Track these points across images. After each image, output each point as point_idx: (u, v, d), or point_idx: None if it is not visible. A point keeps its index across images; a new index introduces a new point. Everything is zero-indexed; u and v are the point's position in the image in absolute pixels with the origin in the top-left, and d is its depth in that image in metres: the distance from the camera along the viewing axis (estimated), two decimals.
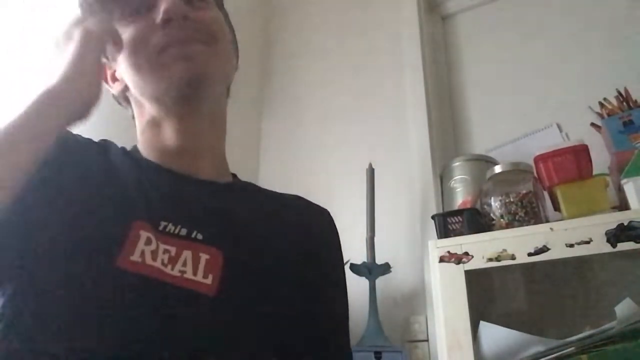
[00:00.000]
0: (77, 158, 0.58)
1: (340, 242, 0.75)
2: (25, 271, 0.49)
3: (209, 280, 0.54)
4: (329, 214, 0.77)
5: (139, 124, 0.67)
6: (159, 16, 0.59)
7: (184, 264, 0.53)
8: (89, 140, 0.64)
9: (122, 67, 0.63)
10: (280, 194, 0.76)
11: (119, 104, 0.70)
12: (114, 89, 0.67)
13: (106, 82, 0.66)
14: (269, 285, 0.58)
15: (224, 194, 0.65)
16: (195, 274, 0.53)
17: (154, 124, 0.64)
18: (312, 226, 0.72)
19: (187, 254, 0.54)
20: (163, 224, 0.56)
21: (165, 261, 0.53)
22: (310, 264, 0.65)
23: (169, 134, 0.63)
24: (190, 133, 0.63)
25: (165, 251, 0.53)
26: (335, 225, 0.77)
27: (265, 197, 0.72)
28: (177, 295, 0.51)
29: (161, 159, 0.64)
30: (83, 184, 0.56)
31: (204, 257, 0.55)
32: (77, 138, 0.62)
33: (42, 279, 0.48)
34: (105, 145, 0.65)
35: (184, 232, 0.56)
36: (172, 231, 0.56)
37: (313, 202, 0.77)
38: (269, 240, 0.62)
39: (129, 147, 0.67)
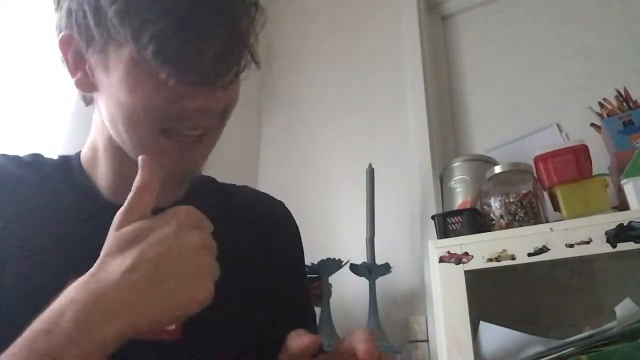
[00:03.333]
0: (13, 202, 0.53)
1: (299, 234, 0.72)
2: None
3: (172, 326, 0.52)
4: (283, 206, 0.74)
5: (98, 139, 0.60)
6: (202, 116, 0.52)
7: None
8: (16, 169, 0.57)
9: (114, 102, 0.52)
10: (230, 192, 0.71)
11: (83, 97, 0.60)
12: (76, 77, 0.56)
13: (64, 55, 0.56)
14: (233, 309, 0.56)
15: None
16: None
17: (117, 153, 0.57)
18: (268, 225, 0.69)
19: None
20: None
21: None
22: (270, 270, 0.63)
23: (127, 170, 0.56)
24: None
25: None
26: (292, 217, 0.73)
27: (215, 206, 0.62)
28: (140, 347, 0.43)
29: (111, 188, 0.59)
30: (24, 234, 0.51)
31: None
32: (8, 170, 0.56)
33: None
34: (39, 168, 0.59)
35: None
36: None
37: (268, 195, 0.74)
38: (223, 260, 0.49)
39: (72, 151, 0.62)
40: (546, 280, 1.25)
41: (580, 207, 1.06)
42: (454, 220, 1.19)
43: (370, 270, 1.36)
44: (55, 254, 0.52)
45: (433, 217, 1.25)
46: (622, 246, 0.94)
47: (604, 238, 0.96)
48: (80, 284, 0.40)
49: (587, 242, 0.97)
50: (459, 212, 1.22)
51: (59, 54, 0.56)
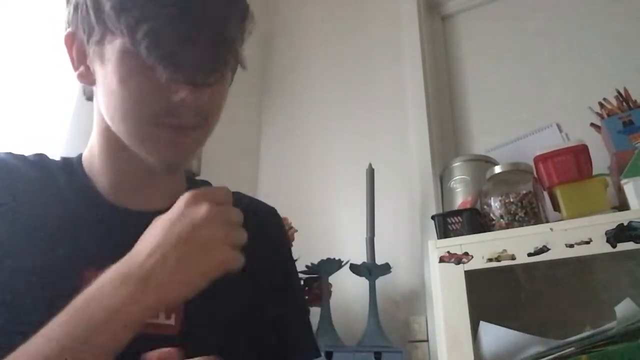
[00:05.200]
0: (20, 199, 0.55)
1: (289, 243, 0.74)
2: None
3: (171, 321, 0.53)
4: (275, 213, 0.75)
5: (96, 134, 0.61)
6: (186, 111, 0.54)
7: None
8: (25, 168, 0.59)
9: (107, 90, 0.55)
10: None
11: (84, 92, 0.63)
12: (78, 71, 0.59)
13: (68, 50, 0.59)
14: (232, 309, 0.58)
15: None
16: (157, 316, 0.52)
17: (112, 147, 0.60)
18: (260, 232, 0.68)
19: None
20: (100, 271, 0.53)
21: None
22: (264, 276, 0.64)
23: (124, 160, 0.59)
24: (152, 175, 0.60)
25: None
26: (283, 224, 0.75)
27: None
28: (141, 342, 0.46)
29: (110, 188, 0.60)
30: (28, 233, 0.53)
31: None
32: (12, 168, 0.58)
33: None
34: (44, 167, 0.60)
35: None
36: None
37: (260, 202, 0.74)
38: None
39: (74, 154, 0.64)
40: (546, 280, 1.25)
41: (580, 207, 1.06)
42: (454, 220, 1.19)
43: (370, 270, 1.36)
44: (55, 250, 0.53)
45: (433, 217, 1.25)
46: (622, 246, 0.94)
47: (604, 238, 0.96)
48: (118, 264, 0.45)
49: (587, 242, 0.97)
50: (459, 212, 1.22)
51: (64, 50, 0.59)
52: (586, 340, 0.89)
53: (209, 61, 0.53)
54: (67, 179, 0.60)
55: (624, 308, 0.87)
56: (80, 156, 0.64)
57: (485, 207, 1.19)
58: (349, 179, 1.62)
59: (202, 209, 0.46)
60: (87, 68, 0.58)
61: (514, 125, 1.52)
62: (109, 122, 0.57)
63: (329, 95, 1.82)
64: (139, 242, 0.47)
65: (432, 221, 1.25)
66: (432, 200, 1.45)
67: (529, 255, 1.01)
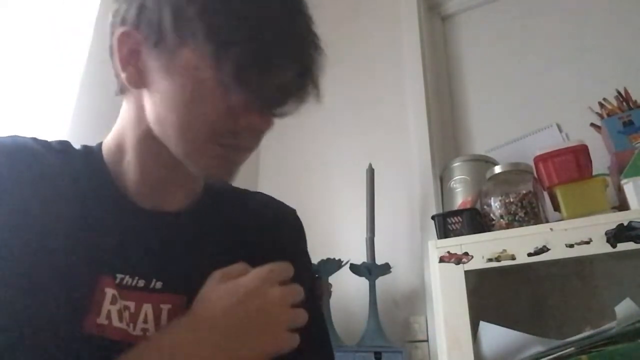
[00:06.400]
0: (42, 193, 0.52)
1: (306, 246, 0.72)
2: None
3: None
4: (294, 213, 0.73)
5: (129, 134, 0.59)
6: (251, 134, 0.55)
7: (145, 321, 0.51)
8: (49, 156, 0.56)
9: (168, 102, 0.53)
10: (244, 198, 0.71)
11: (120, 88, 0.59)
12: (127, 72, 0.55)
13: (118, 48, 0.55)
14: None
15: (186, 226, 0.60)
16: (157, 329, 0.51)
17: (148, 151, 0.57)
18: (279, 233, 0.68)
19: (147, 308, 0.52)
20: (119, 276, 0.52)
21: (128, 320, 0.50)
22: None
23: (155, 161, 0.57)
24: (178, 171, 0.58)
25: (126, 308, 0.51)
26: (302, 226, 0.73)
27: (228, 211, 0.66)
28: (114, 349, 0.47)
29: (134, 186, 0.58)
30: (46, 227, 0.51)
31: (165, 308, 0.53)
32: (37, 156, 0.55)
33: (2, 344, 0.44)
34: (67, 157, 0.58)
35: (141, 283, 0.53)
36: (129, 284, 0.52)
37: (280, 203, 0.73)
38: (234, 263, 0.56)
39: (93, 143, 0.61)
40: (546, 280, 1.25)
41: (580, 207, 1.06)
42: (454, 220, 1.19)
43: (370, 270, 1.36)
44: (73, 244, 0.51)
45: (433, 217, 1.25)
46: (622, 246, 0.94)
47: (604, 238, 0.96)
48: (186, 321, 0.48)
49: (587, 242, 0.97)
50: (459, 212, 1.22)
51: (112, 45, 0.56)
52: (586, 340, 0.89)
53: (290, 93, 0.54)
54: (88, 171, 0.58)
55: (624, 308, 0.87)
56: (100, 147, 0.61)
57: (485, 207, 1.19)
58: (349, 179, 1.62)
59: (275, 293, 0.49)
60: (138, 70, 0.54)
61: (514, 125, 1.52)
62: (158, 130, 0.55)
63: (329, 95, 1.82)
64: (204, 304, 0.49)
65: (432, 221, 1.25)
66: (432, 200, 1.45)
67: (529, 255, 1.01)
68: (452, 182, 1.42)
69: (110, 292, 0.50)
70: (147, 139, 0.56)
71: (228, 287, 0.49)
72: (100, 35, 1.24)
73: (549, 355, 0.92)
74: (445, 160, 1.51)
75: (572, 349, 0.89)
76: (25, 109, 1.10)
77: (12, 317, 0.45)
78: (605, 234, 0.96)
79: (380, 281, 1.36)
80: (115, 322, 0.49)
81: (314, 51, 0.54)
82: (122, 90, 0.59)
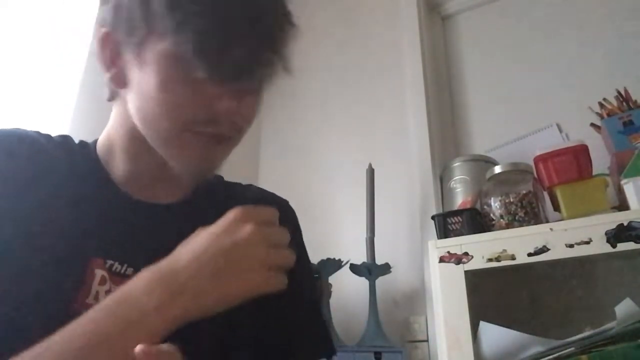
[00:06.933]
0: (40, 177, 0.54)
1: (302, 237, 0.72)
2: None
3: None
4: (288, 205, 0.73)
5: (117, 132, 0.60)
6: (227, 120, 0.53)
7: None
8: (51, 148, 0.58)
9: (143, 95, 0.54)
10: (236, 190, 0.71)
11: (110, 94, 0.60)
12: (110, 72, 0.56)
13: (101, 50, 0.56)
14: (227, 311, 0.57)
15: (177, 217, 0.61)
16: None
17: (134, 148, 0.59)
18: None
19: None
20: (109, 262, 0.53)
21: None
22: None
23: (144, 159, 0.59)
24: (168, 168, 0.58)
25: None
26: (296, 217, 0.73)
27: (221, 203, 0.63)
28: None
29: (125, 180, 0.60)
30: (43, 211, 0.52)
31: None
32: (40, 148, 0.58)
33: None
34: (67, 150, 0.60)
35: (130, 271, 0.54)
36: (118, 271, 0.54)
37: (273, 194, 0.73)
38: None
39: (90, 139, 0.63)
40: (546, 280, 1.25)
41: (580, 207, 1.06)
42: (454, 220, 1.19)
43: (370, 270, 1.36)
44: (67, 228, 0.53)
45: (433, 217, 1.25)
46: (622, 246, 0.94)
47: (604, 238, 0.96)
48: (154, 268, 0.45)
49: (587, 242, 0.97)
50: (459, 212, 1.22)
51: (95, 49, 0.57)
52: (586, 340, 0.89)
53: (256, 61, 0.52)
54: (85, 163, 0.60)
55: (624, 308, 0.87)
56: (95, 143, 0.63)
57: (485, 207, 1.19)
58: (349, 179, 1.62)
59: (247, 229, 0.46)
60: (120, 70, 0.56)
61: (514, 125, 1.52)
62: (140, 125, 0.56)
63: (329, 95, 1.82)
64: (179, 248, 0.47)
65: (432, 221, 1.25)
66: (432, 200, 1.45)
67: (529, 255, 1.01)
68: (452, 182, 1.42)
69: (100, 273, 0.52)
70: (133, 137, 0.58)
71: (199, 235, 0.48)
72: None
73: (549, 355, 0.92)
74: (445, 160, 1.51)
75: (572, 349, 0.89)
76: (25, 109, 1.10)
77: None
78: (605, 234, 0.96)
79: (380, 281, 1.36)
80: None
81: (276, 21, 0.54)
82: (112, 96, 0.60)
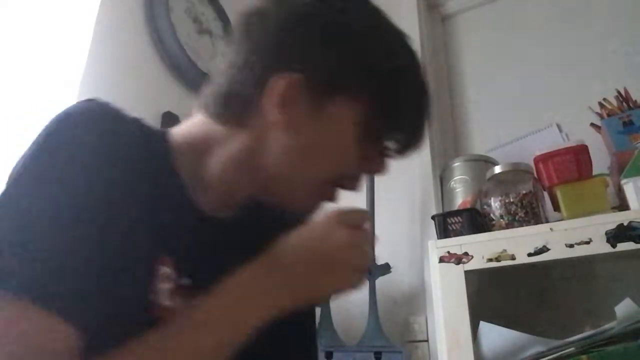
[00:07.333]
0: (128, 172, 0.50)
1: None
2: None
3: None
4: None
5: (233, 149, 0.56)
6: (362, 177, 0.60)
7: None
8: (134, 138, 0.53)
9: (303, 142, 0.54)
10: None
11: (237, 120, 0.56)
12: (282, 115, 0.53)
13: (283, 91, 0.52)
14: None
15: (238, 231, 0.60)
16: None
17: (242, 167, 0.56)
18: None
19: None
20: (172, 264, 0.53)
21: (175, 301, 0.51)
22: None
23: (239, 184, 0.57)
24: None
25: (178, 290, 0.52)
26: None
27: (272, 214, 0.63)
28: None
29: (200, 185, 0.56)
30: (121, 204, 0.48)
31: None
32: (126, 138, 0.52)
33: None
34: (146, 143, 0.54)
35: (185, 281, 0.52)
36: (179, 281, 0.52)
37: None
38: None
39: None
40: (546, 280, 1.25)
41: (580, 207, 1.06)
42: (454, 221, 1.19)
43: (370, 270, 1.36)
44: (142, 227, 0.50)
45: (433, 217, 1.25)
46: (622, 246, 0.94)
47: (604, 238, 0.96)
48: (253, 266, 0.50)
49: (587, 242, 0.97)
50: (459, 212, 1.22)
51: (274, 89, 0.53)
52: (586, 340, 0.89)
53: (408, 146, 0.61)
54: (162, 155, 0.56)
55: (624, 308, 0.88)
56: (169, 134, 0.58)
57: (485, 207, 1.19)
58: None
59: (344, 235, 0.51)
60: (290, 114, 0.53)
61: (514, 125, 1.52)
62: (275, 163, 0.54)
63: None
64: (278, 246, 0.51)
65: (432, 221, 1.25)
66: (432, 200, 1.45)
67: (529, 255, 1.01)
68: (452, 182, 1.42)
69: (166, 270, 0.51)
70: (246, 162, 0.55)
71: (296, 237, 0.52)
72: (101, 36, 1.24)
73: (549, 355, 0.92)
74: (445, 160, 1.51)
75: (572, 349, 0.89)
76: (25, 109, 1.10)
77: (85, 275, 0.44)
78: (605, 234, 0.96)
79: (380, 281, 1.36)
80: (164, 301, 0.50)
81: (430, 108, 0.63)
82: (241, 122, 0.55)
